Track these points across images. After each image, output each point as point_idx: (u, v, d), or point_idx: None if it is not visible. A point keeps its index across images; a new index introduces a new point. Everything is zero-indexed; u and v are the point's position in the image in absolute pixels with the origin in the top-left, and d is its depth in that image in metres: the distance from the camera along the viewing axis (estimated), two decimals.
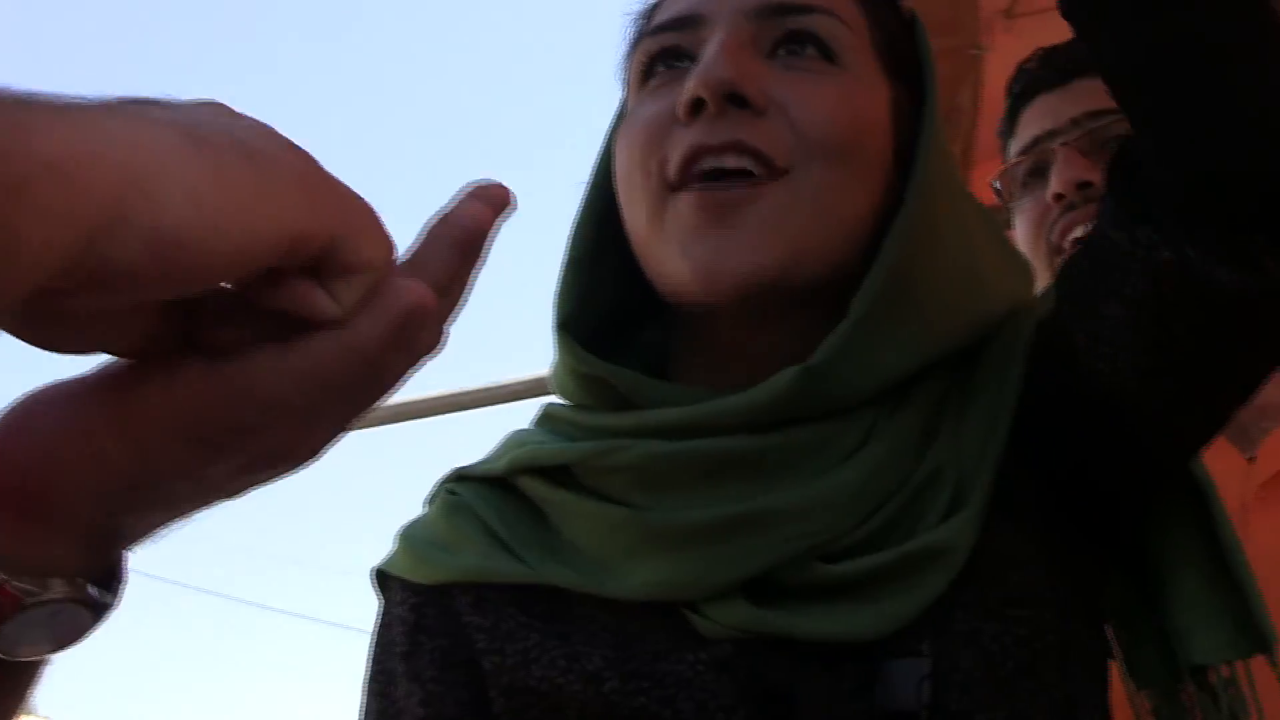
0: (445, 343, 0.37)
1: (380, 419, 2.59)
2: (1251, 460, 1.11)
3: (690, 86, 0.64)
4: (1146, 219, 0.59)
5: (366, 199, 0.34)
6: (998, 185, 1.18)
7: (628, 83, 0.73)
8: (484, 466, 0.72)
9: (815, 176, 0.65)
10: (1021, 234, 1.14)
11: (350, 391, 0.35)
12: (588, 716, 0.62)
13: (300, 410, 0.35)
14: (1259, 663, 0.69)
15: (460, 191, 0.38)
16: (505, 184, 0.38)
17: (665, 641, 0.63)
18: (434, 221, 0.37)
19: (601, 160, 0.74)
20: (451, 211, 0.37)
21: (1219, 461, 1.10)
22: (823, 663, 0.62)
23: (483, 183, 0.38)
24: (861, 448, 0.65)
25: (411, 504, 0.75)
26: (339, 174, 0.34)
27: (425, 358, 0.37)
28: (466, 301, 0.38)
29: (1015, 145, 1.16)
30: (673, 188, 0.66)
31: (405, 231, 0.37)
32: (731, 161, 0.64)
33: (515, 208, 0.38)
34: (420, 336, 0.36)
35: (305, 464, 0.37)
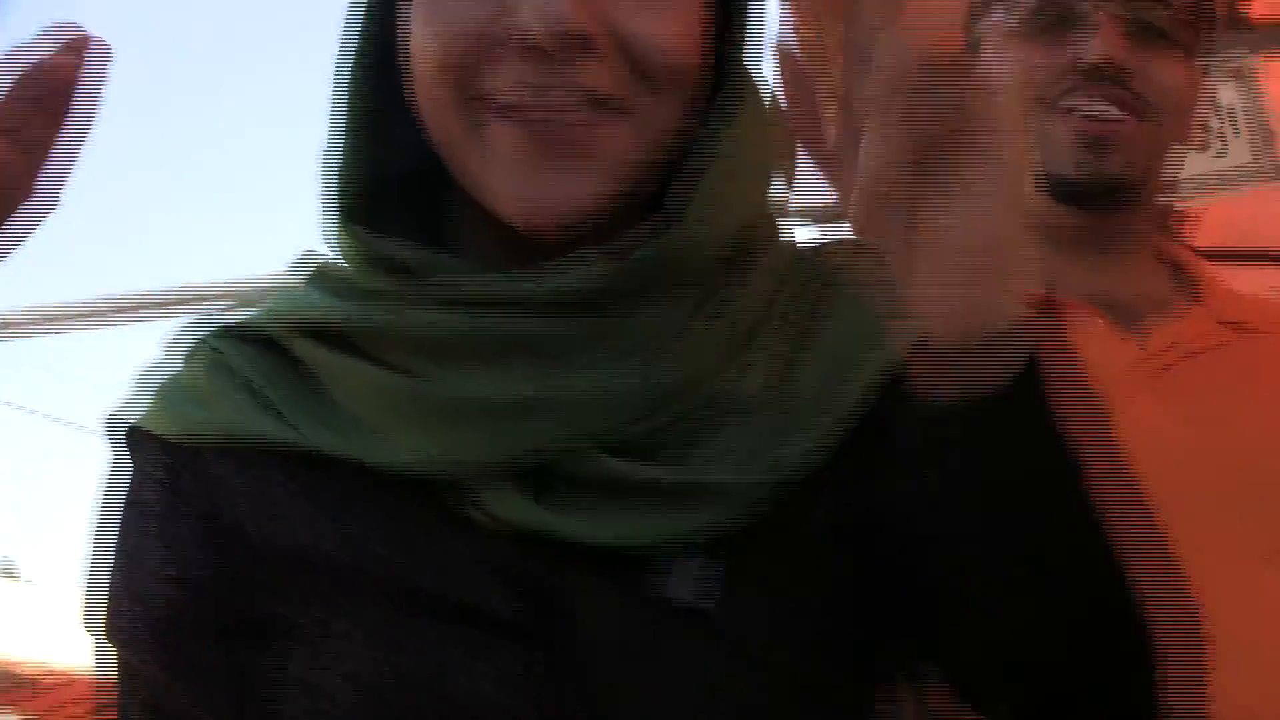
0: (55, 202, 0.35)
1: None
2: (1142, 347, 1.07)
3: (529, 28, 0.58)
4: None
5: None
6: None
7: None
8: (253, 325, 0.66)
9: (658, 111, 0.62)
10: (998, 80, 1.01)
11: None
12: (352, 589, 0.60)
13: None
14: None
15: (36, 35, 0.35)
16: (82, 26, 0.34)
17: (437, 525, 0.60)
18: (12, 73, 0.35)
19: (382, 16, 0.66)
20: (30, 63, 0.35)
21: (1099, 341, 1.08)
22: (602, 559, 0.58)
23: (58, 26, 0.35)
24: (673, 341, 0.61)
25: None
26: None
27: (31, 214, 0.35)
28: (75, 151, 0.35)
29: None
30: (492, 109, 0.60)
31: None
32: (560, 100, 0.59)
33: (106, 53, 0.34)
34: (4, 192, 0.34)
35: None
